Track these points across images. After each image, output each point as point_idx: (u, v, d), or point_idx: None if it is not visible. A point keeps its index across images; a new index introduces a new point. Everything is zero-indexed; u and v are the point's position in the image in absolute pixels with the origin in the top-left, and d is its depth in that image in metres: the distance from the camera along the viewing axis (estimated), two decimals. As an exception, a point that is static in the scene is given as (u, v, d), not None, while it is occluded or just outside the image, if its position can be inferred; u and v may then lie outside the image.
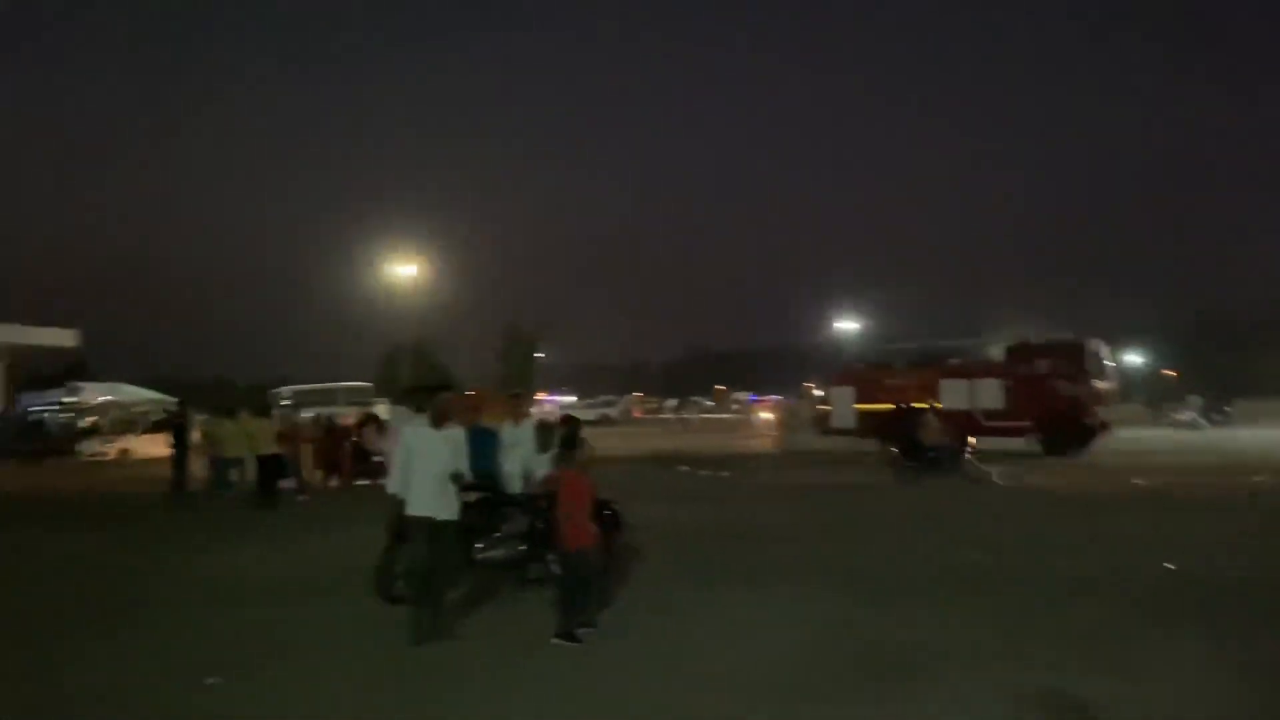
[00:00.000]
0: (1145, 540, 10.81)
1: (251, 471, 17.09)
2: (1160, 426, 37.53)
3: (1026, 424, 24.36)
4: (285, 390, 40.39)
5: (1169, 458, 22.52)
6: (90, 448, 30.99)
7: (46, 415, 35.55)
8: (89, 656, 7.13)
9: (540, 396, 58.68)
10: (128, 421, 32.94)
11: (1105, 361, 24.81)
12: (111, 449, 30.46)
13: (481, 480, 9.40)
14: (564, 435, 8.85)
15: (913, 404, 19.29)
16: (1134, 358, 68.85)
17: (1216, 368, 62.53)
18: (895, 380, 26.68)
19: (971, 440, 18.20)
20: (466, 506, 9.00)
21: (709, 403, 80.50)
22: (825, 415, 28.52)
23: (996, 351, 25.93)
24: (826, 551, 10.66)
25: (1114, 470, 19.44)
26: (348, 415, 24.37)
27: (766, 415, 60.00)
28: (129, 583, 10.01)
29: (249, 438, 16.97)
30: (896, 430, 18.22)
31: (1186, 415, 37.84)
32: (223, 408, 18.42)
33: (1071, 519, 13.10)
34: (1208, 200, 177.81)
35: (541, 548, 8.76)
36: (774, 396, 65.47)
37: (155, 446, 29.78)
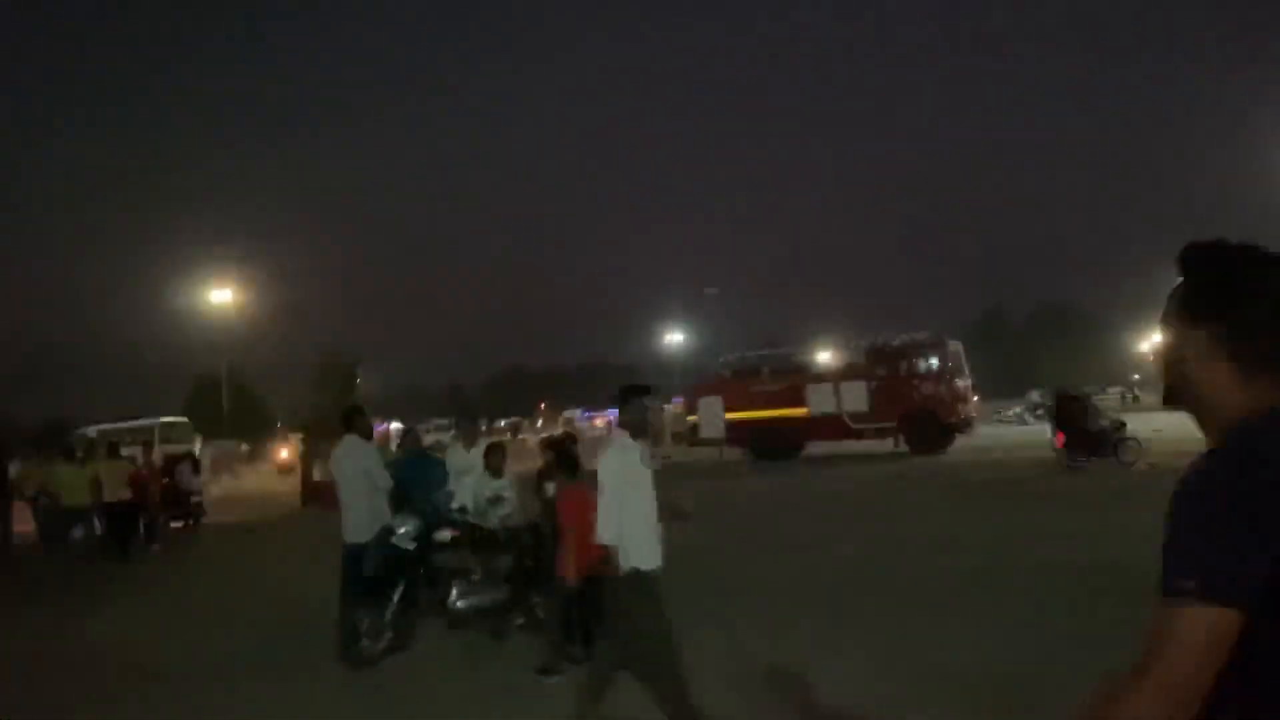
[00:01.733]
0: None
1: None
2: (988, 423, 39.48)
3: (891, 424, 24.77)
4: (91, 429, 36.41)
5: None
6: None
7: None
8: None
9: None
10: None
11: (963, 360, 25.59)
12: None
13: (442, 515, 8.28)
14: (561, 452, 7.72)
15: (1071, 393, 19.51)
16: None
17: (1000, 366, 66.21)
18: (763, 387, 26.64)
19: (1125, 424, 18.32)
20: (438, 546, 7.90)
21: (538, 423, 79.33)
22: (694, 426, 28.16)
23: (857, 354, 26.29)
24: (796, 563, 10.04)
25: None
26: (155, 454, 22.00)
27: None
28: (19, 670, 8.18)
29: (92, 483, 14.76)
30: (1063, 419, 18.26)
31: (1013, 412, 40.05)
32: (61, 450, 15.95)
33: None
34: (976, 206, 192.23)
35: (528, 589, 7.74)
36: (608, 412, 65.27)
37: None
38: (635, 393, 5.47)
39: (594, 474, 7.26)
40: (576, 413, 72.04)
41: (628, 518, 5.21)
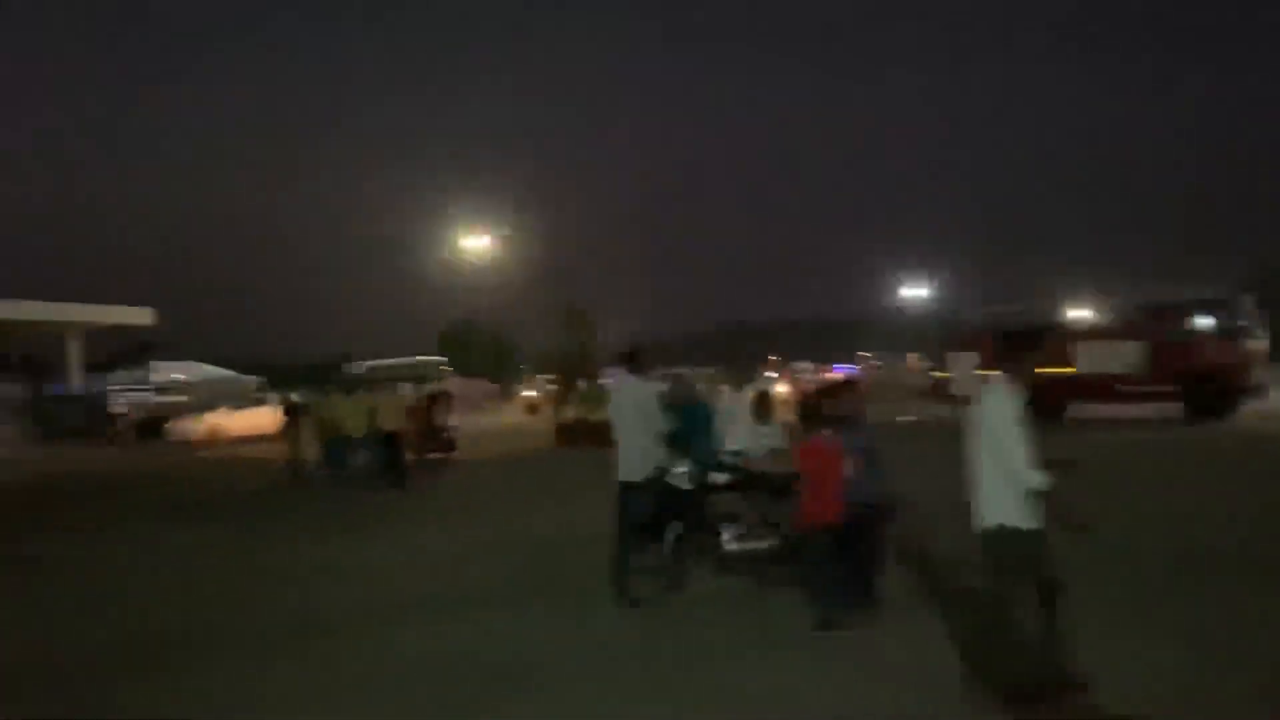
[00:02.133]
0: None
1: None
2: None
3: (1171, 388, 22.59)
4: (359, 366, 39.41)
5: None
6: (178, 429, 29.97)
7: (125, 395, 34.98)
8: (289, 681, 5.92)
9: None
10: (216, 400, 32.11)
11: (1254, 319, 22.87)
12: (199, 429, 29.44)
13: (717, 459, 8.13)
14: (810, 403, 7.30)
15: None
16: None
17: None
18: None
19: None
20: (711, 489, 7.76)
21: (772, 374, 78.90)
22: (943, 382, 26.84)
23: (1135, 311, 24.09)
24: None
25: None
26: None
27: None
28: (301, 589, 8.78)
29: (369, 415, 15.82)
30: None
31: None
32: (340, 385, 17.31)
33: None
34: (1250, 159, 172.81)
35: (802, 538, 7.44)
36: (835, 366, 63.55)
37: (246, 423, 28.97)
38: (1027, 344, 5.28)
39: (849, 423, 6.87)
40: (805, 365, 70.92)
41: (989, 469, 4.97)
